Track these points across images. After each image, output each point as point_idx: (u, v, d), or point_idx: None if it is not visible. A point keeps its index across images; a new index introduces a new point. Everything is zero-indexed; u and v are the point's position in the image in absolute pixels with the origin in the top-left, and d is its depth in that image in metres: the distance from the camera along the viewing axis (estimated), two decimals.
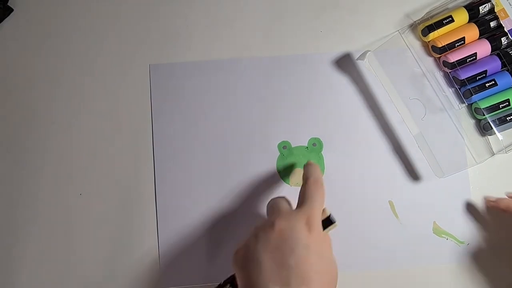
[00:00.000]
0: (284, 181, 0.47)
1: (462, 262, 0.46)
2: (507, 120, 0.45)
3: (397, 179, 0.47)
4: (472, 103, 0.46)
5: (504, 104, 0.45)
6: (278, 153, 0.47)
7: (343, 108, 0.47)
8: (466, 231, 0.46)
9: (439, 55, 0.47)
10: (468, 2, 0.47)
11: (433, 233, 0.46)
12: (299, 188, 0.46)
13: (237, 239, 0.46)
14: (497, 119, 0.45)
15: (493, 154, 0.46)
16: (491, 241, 0.46)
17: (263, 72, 0.48)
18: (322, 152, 0.47)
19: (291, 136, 0.47)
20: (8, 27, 0.49)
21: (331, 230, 0.38)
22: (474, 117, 0.47)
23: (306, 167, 0.41)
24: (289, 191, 0.46)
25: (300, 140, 0.47)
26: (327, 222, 0.38)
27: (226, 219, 0.46)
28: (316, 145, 0.47)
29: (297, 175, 0.47)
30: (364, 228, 0.46)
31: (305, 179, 0.40)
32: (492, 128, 0.45)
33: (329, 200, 0.46)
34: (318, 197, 0.38)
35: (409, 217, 0.46)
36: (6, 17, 0.48)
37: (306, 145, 0.47)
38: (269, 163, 0.47)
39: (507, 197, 0.46)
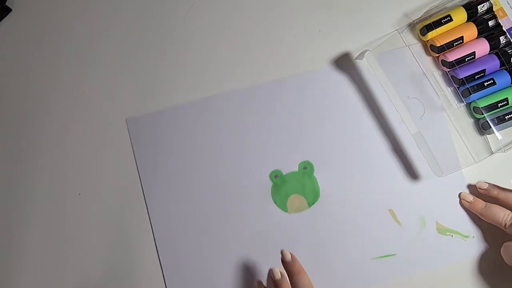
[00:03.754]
0: (282, 210, 0.46)
1: (471, 257, 0.45)
2: (505, 119, 0.45)
3: (395, 183, 0.46)
4: (471, 102, 0.46)
5: (502, 103, 0.45)
6: (271, 183, 0.46)
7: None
8: (469, 224, 0.46)
9: (438, 54, 0.47)
10: (466, 1, 0.47)
11: (438, 233, 0.46)
12: (298, 214, 0.45)
13: (240, 276, 0.45)
14: (496, 118, 0.45)
15: (491, 153, 0.46)
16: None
17: (241, 104, 0.47)
18: (314, 174, 0.46)
19: (281, 163, 0.46)
20: (7, 27, 0.48)
21: None
22: (473, 116, 0.47)
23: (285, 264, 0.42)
24: (289, 219, 0.46)
25: (290, 166, 0.46)
26: None
27: (226, 256, 0.45)
28: (307, 168, 0.46)
29: (294, 201, 0.46)
30: (370, 241, 0.45)
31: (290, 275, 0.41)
32: (490, 127, 0.45)
33: (328, 220, 0.46)
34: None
35: (411, 222, 0.46)
36: (4, 17, 0.48)
37: (297, 170, 0.47)
38: (264, 195, 0.46)
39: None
